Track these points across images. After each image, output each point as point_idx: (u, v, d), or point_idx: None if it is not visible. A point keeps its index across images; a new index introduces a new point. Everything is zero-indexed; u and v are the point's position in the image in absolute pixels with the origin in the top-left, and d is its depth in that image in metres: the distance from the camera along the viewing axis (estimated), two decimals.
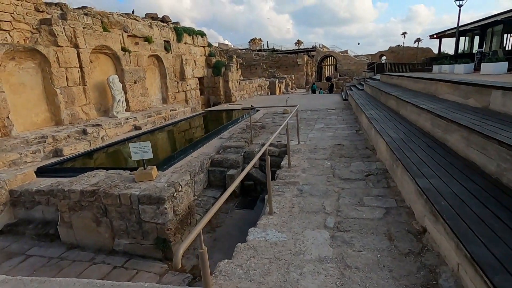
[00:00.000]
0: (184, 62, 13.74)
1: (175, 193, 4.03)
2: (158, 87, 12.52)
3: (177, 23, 14.25)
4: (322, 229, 2.71)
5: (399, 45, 55.25)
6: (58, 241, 4.43)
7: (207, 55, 15.87)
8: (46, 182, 4.97)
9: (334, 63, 47.60)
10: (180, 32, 13.29)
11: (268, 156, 3.26)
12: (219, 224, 4.98)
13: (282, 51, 50.51)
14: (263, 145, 6.47)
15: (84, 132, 7.76)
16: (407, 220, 2.76)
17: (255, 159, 3.09)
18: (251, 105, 13.49)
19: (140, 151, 4.19)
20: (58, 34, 7.79)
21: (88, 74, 9.06)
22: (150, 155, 4.21)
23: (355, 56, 47.69)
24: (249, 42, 63.25)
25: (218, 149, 6.56)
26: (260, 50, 50.30)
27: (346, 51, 48.49)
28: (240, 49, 48.06)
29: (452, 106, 4.83)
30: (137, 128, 9.50)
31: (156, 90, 12.41)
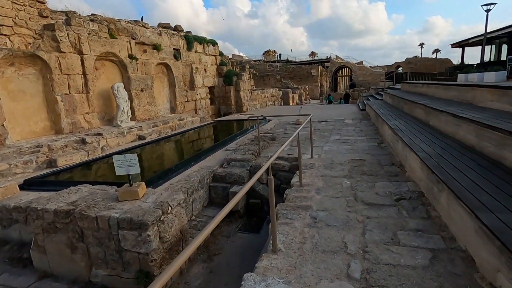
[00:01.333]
0: (194, 71, 13.38)
1: (162, 216, 3.36)
2: (166, 96, 12.15)
3: (189, 32, 14.02)
4: (345, 281, 1.96)
5: (416, 56, 53.96)
6: (31, 268, 3.84)
7: (218, 64, 15.51)
8: (28, 197, 4.43)
9: (349, 74, 46.75)
10: (190, 40, 12.99)
11: (272, 177, 2.55)
12: (218, 250, 4.26)
13: (296, 62, 50.24)
14: (270, 157, 5.77)
15: (83, 141, 7.33)
16: (466, 271, 1.97)
17: (258, 174, 2.37)
18: (262, 115, 12.89)
19: (125, 164, 3.58)
20: (61, 40, 7.51)
21: (92, 81, 8.74)
22: (136, 170, 3.59)
23: (370, 67, 46.68)
24: (263, 54, 63.56)
25: (222, 162, 5.90)
26: (274, 61, 50.22)
27: (361, 62, 47.65)
28: (254, 60, 48.15)
29: (499, 115, 3.98)
30: (141, 138, 9.03)
31: (164, 99, 12.04)
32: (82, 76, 8.23)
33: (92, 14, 9.31)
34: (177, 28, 13.66)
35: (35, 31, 7.19)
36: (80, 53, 8.10)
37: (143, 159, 7.02)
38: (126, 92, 9.33)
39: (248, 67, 22.53)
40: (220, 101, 15.92)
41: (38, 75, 7.39)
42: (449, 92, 6.73)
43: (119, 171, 3.60)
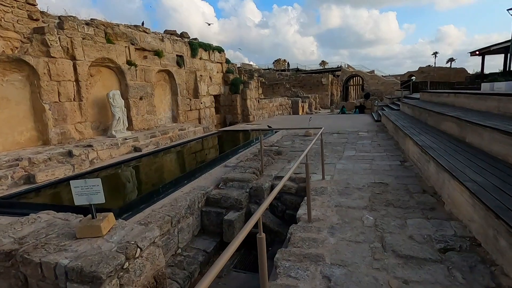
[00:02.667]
0: (198, 79, 12.78)
1: (126, 263, 2.57)
2: (168, 104, 11.54)
3: (195, 39, 13.50)
4: None
5: (429, 65, 52.62)
6: None
7: (224, 71, 14.91)
8: None
9: (361, 83, 45.78)
10: (195, 46, 12.44)
11: (262, 235, 1.74)
12: None
13: (306, 70, 49.63)
14: (276, 178, 4.94)
15: (70, 154, 6.68)
16: None
17: (257, 216, 1.58)
18: (269, 126, 12.11)
19: (86, 192, 2.82)
20: (51, 44, 6.98)
21: (86, 88, 8.17)
22: (100, 199, 2.83)
23: (383, 76, 45.61)
24: (273, 62, 63.23)
25: (219, 181, 5.10)
26: (283, 70, 49.75)
27: (372, 71, 46.66)
28: (263, 69, 47.84)
29: None
30: (136, 149, 8.36)
31: (165, 108, 11.43)
32: (75, 83, 7.66)
33: (91, 19, 8.83)
34: (183, 35, 13.18)
35: (23, 34, 6.68)
36: (73, 58, 7.56)
37: (132, 176, 6.30)
38: (123, 100, 8.73)
39: (256, 75, 21.95)
40: (226, 110, 15.25)
41: (25, 82, 6.84)
42: (485, 103, 5.78)
43: (79, 200, 2.84)
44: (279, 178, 5.10)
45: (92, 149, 7.17)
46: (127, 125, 8.91)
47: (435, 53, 71.22)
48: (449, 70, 43.19)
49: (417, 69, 49.17)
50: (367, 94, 28.05)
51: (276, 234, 4.45)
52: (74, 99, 7.69)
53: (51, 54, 7.00)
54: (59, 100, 7.31)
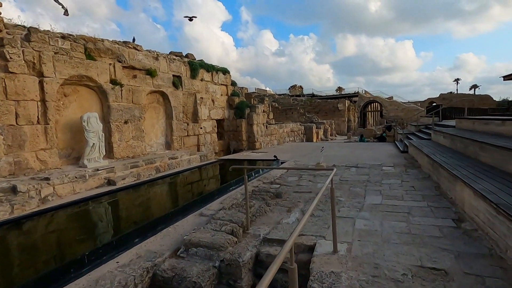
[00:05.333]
0: (198, 101, 11.59)
1: None
2: (161, 129, 10.28)
3: (201, 60, 12.52)
4: None
5: (451, 92, 50.45)
6: None
7: (229, 94, 13.72)
8: None
9: (379, 109, 43.90)
10: (195, 67, 11.37)
11: None
12: None
13: (322, 96, 48.56)
14: (264, 241, 3.28)
15: (14, 189, 5.33)
16: None
17: None
18: (275, 156, 10.50)
19: None
20: (11, 58, 5.93)
21: (58, 110, 7.03)
22: None
23: (403, 103, 43.60)
24: (289, 88, 62.86)
25: (180, 244, 3.47)
26: (298, 95, 48.92)
27: (391, 97, 44.89)
28: (278, 94, 47.22)
29: None
30: (110, 182, 6.96)
31: (158, 133, 10.16)
32: (40, 103, 6.51)
33: (69, 34, 7.89)
34: (187, 56, 12.25)
35: None
36: (40, 75, 6.48)
37: (73, 226, 4.79)
38: (101, 124, 7.49)
39: (267, 99, 20.79)
40: (230, 136, 13.87)
41: None
42: None
43: None
44: (269, 242, 3.42)
45: (48, 183, 5.81)
46: (104, 153, 7.59)
47: (456, 80, 68.67)
48: (472, 97, 40.82)
49: (438, 95, 47.33)
50: (389, 126, 26.05)
51: None
52: (38, 122, 6.50)
53: (10, 69, 5.92)
54: (16, 123, 6.12)
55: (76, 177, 6.36)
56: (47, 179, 5.92)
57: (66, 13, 6.68)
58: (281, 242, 3.35)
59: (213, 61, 13.57)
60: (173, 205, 5.64)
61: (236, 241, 3.42)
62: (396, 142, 13.55)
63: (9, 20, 6.58)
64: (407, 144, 10.55)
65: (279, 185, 6.15)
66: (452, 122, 11.25)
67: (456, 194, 4.23)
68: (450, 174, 4.53)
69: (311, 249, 3.20)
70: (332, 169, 3.20)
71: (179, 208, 4.68)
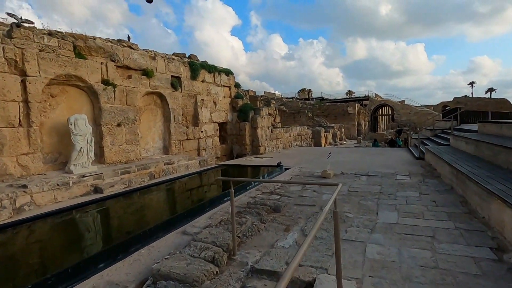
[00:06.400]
0: (199, 104, 11.05)
1: None
2: (159, 132, 9.76)
3: (204, 62, 12.00)
4: None
5: (466, 96, 48.84)
6: None
7: (233, 96, 13.15)
8: None
9: (390, 113, 42.63)
10: (195, 67, 10.85)
11: None
12: None
13: (331, 99, 47.63)
14: (251, 271, 2.63)
15: None
16: None
17: None
18: (279, 162, 9.81)
19: None
20: None
21: (44, 111, 6.59)
22: None
23: (416, 107, 42.24)
24: (298, 92, 62.12)
25: (150, 274, 2.83)
26: (307, 99, 48.14)
27: (403, 101, 43.58)
28: (286, 98, 46.53)
29: None
30: (97, 190, 6.42)
31: (155, 137, 9.63)
32: (22, 103, 6.05)
33: (56, 30, 7.47)
34: (190, 57, 11.76)
35: None
36: (23, 73, 6.03)
37: (27, 247, 4.20)
38: (90, 127, 7.00)
39: (273, 102, 20.14)
40: (234, 140, 13.26)
41: None
42: None
43: None
44: (258, 274, 2.75)
45: (24, 192, 5.29)
46: (93, 158, 7.08)
47: (471, 83, 66.43)
48: (487, 101, 39.23)
49: (451, 99, 45.95)
50: (399, 130, 24.93)
51: None
52: (19, 125, 6.03)
53: None
54: None
55: (58, 184, 5.84)
56: (24, 186, 5.41)
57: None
58: (272, 275, 2.68)
59: (223, 65, 13.04)
60: (160, 218, 5.03)
61: (216, 272, 2.76)
62: (410, 148, 12.66)
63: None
64: (423, 150, 9.70)
65: (279, 196, 5.47)
66: (472, 127, 10.35)
67: (491, 213, 3.46)
68: (481, 189, 3.77)
69: (309, 286, 2.52)
70: (337, 185, 2.51)
71: (161, 224, 4.05)
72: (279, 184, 6.51)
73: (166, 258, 2.93)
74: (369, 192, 5.56)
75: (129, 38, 8.46)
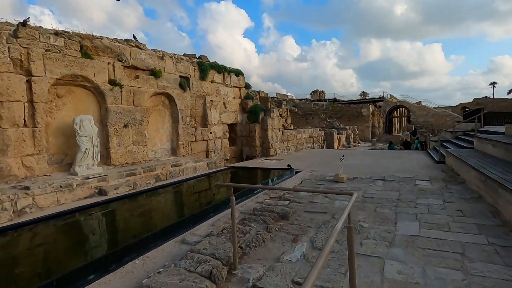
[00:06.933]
0: (208, 104, 10.84)
1: None
2: (167, 134, 9.60)
3: (214, 62, 11.81)
4: None
5: (486, 97, 46.83)
6: None
7: (242, 97, 12.88)
8: None
9: (406, 114, 41.34)
10: (205, 68, 10.66)
11: None
12: None
13: (345, 101, 46.75)
14: None
15: None
16: None
17: None
18: (288, 165, 9.44)
19: None
20: None
21: (50, 112, 6.52)
22: None
23: (433, 108, 40.80)
24: (311, 93, 61.39)
25: None
26: (320, 100, 47.44)
27: (419, 102, 42.17)
28: (299, 99, 46.00)
29: None
30: (102, 192, 6.27)
31: (163, 138, 9.48)
32: (27, 104, 5.98)
33: (63, 30, 7.42)
34: (200, 58, 11.59)
35: None
36: (28, 73, 5.96)
37: (22, 253, 4.00)
38: (95, 128, 6.88)
39: (285, 103, 19.79)
40: (244, 141, 12.99)
41: None
42: None
43: None
44: None
45: (26, 193, 5.18)
46: (98, 159, 6.95)
47: (493, 84, 63.60)
48: (510, 102, 37.40)
49: (471, 100, 44.14)
50: (414, 131, 23.93)
51: None
52: (24, 125, 5.96)
53: None
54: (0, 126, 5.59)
55: (61, 186, 5.71)
56: (26, 188, 5.30)
57: None
58: None
59: (235, 67, 12.80)
60: (162, 222, 4.78)
61: None
62: (429, 151, 12.00)
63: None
64: (444, 153, 9.11)
65: (288, 202, 5.12)
66: (497, 128, 9.65)
67: None
68: None
69: None
70: (351, 194, 2.16)
71: (159, 231, 3.79)
72: (289, 188, 6.16)
73: (158, 272, 2.65)
74: (386, 198, 5.13)
75: (135, 37, 8.33)
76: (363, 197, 5.33)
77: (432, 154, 10.76)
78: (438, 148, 10.17)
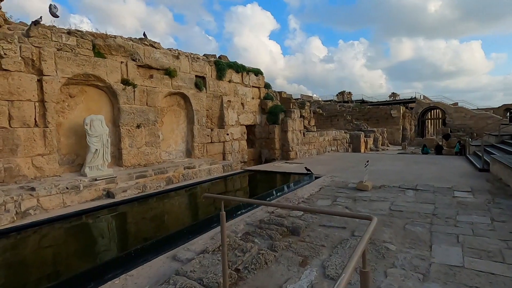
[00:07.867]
0: (225, 105, 10.48)
1: None
2: (182, 135, 9.34)
3: (234, 62, 11.44)
4: None
5: None
6: None
7: (262, 97, 12.40)
8: None
9: (441, 116, 38.56)
10: (222, 67, 10.31)
11: None
12: None
13: (373, 102, 44.68)
14: None
15: None
16: None
17: None
18: (307, 168, 8.78)
19: None
20: (5, 54, 5.40)
21: (62, 112, 6.47)
22: None
23: (472, 110, 37.68)
24: (337, 95, 59.57)
25: None
26: (346, 102, 45.68)
27: (456, 103, 39.11)
28: (324, 101, 44.66)
29: None
30: (109, 195, 6.08)
31: (178, 139, 9.24)
32: (38, 103, 5.93)
33: (77, 29, 7.31)
34: (220, 58, 11.28)
35: None
36: (40, 73, 5.90)
37: (11, 260, 3.74)
38: (107, 128, 6.72)
39: (308, 104, 19.01)
40: (262, 143, 12.48)
41: None
42: None
43: None
44: None
45: (31, 195, 5.06)
46: (109, 160, 6.79)
47: None
48: None
49: None
50: (446, 134, 21.94)
51: None
52: (35, 125, 5.90)
53: (3, 66, 5.39)
54: (10, 126, 5.56)
55: (67, 188, 5.56)
56: (32, 189, 5.19)
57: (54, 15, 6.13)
58: None
59: (262, 68, 12.37)
60: (166, 229, 4.40)
61: None
62: (469, 156, 10.72)
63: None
64: (488, 159, 7.98)
65: (302, 213, 4.53)
66: None
67: None
68: None
69: None
70: (371, 219, 1.57)
71: (150, 244, 3.39)
72: (305, 197, 5.56)
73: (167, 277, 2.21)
74: (418, 213, 4.37)
75: (145, 35, 8.12)
76: (390, 209, 4.60)
77: (473, 160, 9.56)
78: (480, 154, 8.98)
